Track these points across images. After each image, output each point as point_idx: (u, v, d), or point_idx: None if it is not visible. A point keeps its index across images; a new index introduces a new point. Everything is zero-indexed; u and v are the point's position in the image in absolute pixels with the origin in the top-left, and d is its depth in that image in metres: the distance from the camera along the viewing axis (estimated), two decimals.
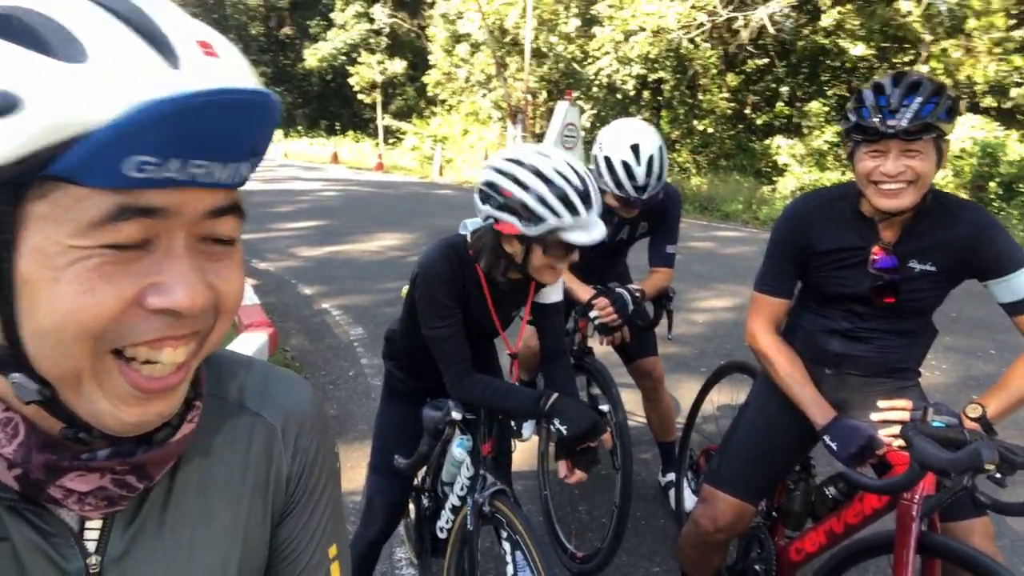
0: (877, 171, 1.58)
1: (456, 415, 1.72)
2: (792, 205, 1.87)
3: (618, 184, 2.38)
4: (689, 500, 2.69)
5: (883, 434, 1.63)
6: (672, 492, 2.88)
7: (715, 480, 1.94)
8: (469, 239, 1.75)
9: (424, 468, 2.14)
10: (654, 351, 2.95)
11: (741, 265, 8.20)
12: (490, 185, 1.61)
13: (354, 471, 3.10)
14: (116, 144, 0.42)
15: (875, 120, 1.55)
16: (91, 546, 0.57)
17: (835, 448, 1.64)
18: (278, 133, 30.54)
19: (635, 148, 2.36)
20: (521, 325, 1.98)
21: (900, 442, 1.52)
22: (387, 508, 2.04)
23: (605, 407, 1.80)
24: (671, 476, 2.96)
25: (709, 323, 5.76)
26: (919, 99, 1.53)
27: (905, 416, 1.60)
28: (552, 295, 1.91)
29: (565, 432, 1.65)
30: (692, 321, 5.79)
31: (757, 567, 1.97)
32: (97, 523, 0.57)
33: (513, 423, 1.81)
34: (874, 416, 1.67)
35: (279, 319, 5.65)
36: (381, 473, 2.01)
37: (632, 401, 3.24)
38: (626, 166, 2.36)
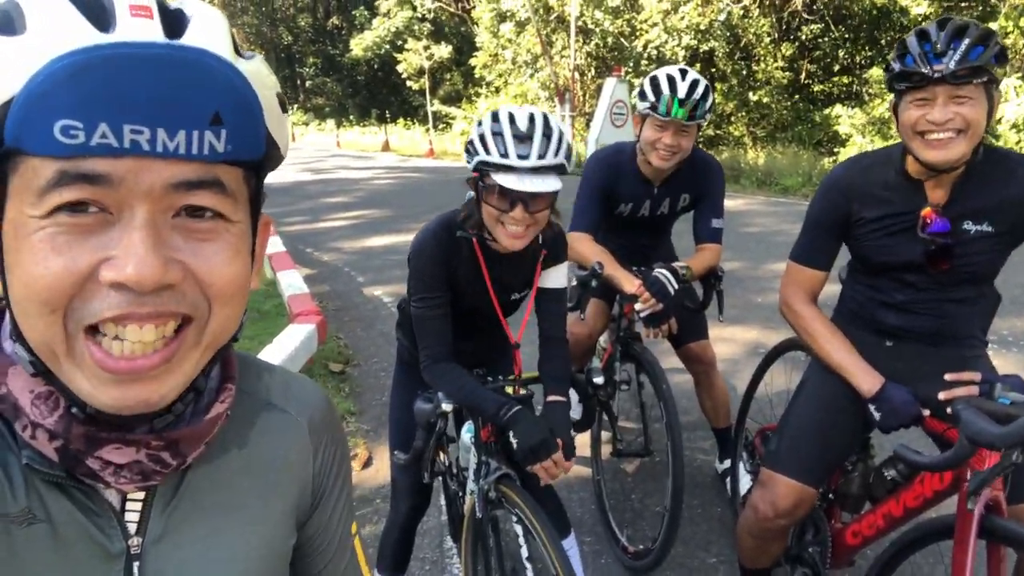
0: (923, 120, 1.49)
1: (446, 407, 1.69)
2: (832, 173, 1.78)
3: (658, 96, 2.32)
4: (744, 481, 2.60)
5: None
6: (729, 480, 2.80)
7: (774, 463, 1.85)
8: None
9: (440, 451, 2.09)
10: (705, 335, 2.83)
11: None
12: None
13: None
14: (37, 106, 0.43)
15: (920, 65, 1.46)
16: (132, 527, 0.58)
17: (878, 420, 1.58)
18: (330, 123, 31.26)
19: (683, 71, 2.35)
20: (524, 315, 1.91)
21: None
22: (410, 489, 2.00)
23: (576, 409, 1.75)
24: (728, 463, 2.86)
25: (770, 305, 5.50)
26: (967, 42, 1.43)
27: (974, 390, 1.49)
28: (552, 280, 1.87)
29: (515, 446, 1.65)
30: (751, 303, 5.55)
31: (812, 550, 1.92)
32: (137, 504, 0.58)
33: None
34: (942, 395, 1.55)
35: (334, 309, 5.77)
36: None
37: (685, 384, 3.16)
38: (671, 80, 2.33)
